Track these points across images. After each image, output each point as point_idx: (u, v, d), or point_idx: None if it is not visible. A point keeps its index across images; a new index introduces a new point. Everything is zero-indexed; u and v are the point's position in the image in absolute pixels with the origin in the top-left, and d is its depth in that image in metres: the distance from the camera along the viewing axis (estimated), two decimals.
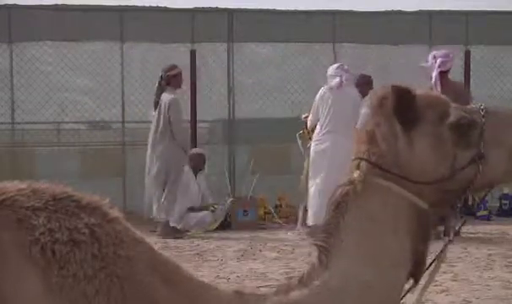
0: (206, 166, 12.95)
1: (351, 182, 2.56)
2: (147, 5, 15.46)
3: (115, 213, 2.41)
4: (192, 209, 12.31)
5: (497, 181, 2.66)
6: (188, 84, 13.48)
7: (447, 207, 2.66)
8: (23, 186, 2.37)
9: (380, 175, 2.54)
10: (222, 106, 14.83)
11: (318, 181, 10.99)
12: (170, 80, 11.63)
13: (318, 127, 11.29)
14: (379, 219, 2.53)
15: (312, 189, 11.15)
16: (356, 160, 2.60)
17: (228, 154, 14.75)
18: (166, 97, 11.57)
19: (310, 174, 11.31)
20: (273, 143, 14.41)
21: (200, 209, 12.42)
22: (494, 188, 2.83)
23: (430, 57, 11.01)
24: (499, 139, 2.58)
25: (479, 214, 13.10)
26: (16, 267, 2.22)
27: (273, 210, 13.37)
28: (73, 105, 14.59)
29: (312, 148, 11.32)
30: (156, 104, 11.67)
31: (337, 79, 11.23)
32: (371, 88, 11.12)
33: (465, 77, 14.05)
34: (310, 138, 11.64)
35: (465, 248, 9.94)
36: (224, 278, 8.31)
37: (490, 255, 9.63)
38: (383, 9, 15.62)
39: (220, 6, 15.06)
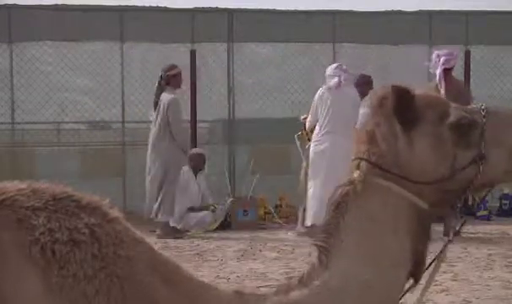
0: (206, 166, 12.94)
1: (351, 182, 2.56)
2: (147, 5, 15.47)
3: (115, 213, 2.41)
4: (192, 209, 12.31)
5: (497, 180, 2.66)
6: (188, 84, 13.48)
7: (447, 207, 2.66)
8: (23, 186, 2.37)
9: (380, 175, 2.54)
10: (222, 106, 14.84)
11: (317, 181, 10.99)
12: (169, 80, 11.62)
13: (317, 127, 11.28)
14: (379, 219, 2.53)
15: (311, 190, 11.15)
16: (355, 160, 2.60)
17: (228, 154, 14.75)
18: (165, 97, 11.57)
19: (309, 174, 11.31)
20: (273, 143, 14.41)
21: (200, 208, 12.43)
22: (494, 188, 2.83)
23: (434, 56, 11.08)
24: (500, 139, 2.58)
25: (479, 214, 13.10)
26: (16, 267, 2.22)
27: (273, 210, 13.37)
28: (73, 105, 14.59)
29: (311, 148, 11.31)
30: (156, 104, 11.67)
31: (336, 79, 11.23)
32: (371, 88, 11.12)
33: (465, 77, 14.04)
34: (309, 139, 11.64)
35: (465, 248, 9.94)
36: (224, 278, 8.31)
37: (490, 255, 9.63)
38: (383, 9, 15.62)
39: (220, 6, 15.06)
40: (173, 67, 11.77)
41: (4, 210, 2.28)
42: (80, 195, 2.40)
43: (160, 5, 15.35)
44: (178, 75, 11.75)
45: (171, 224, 11.72)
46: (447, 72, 10.88)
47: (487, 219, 13.19)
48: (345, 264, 2.51)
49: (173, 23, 14.58)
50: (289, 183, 13.00)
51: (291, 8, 15.52)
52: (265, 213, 13.32)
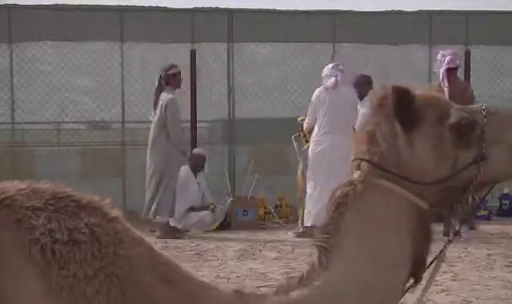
0: (206, 166, 12.95)
1: (352, 183, 2.55)
2: (147, 5, 15.48)
3: (115, 212, 2.41)
4: (192, 209, 12.32)
5: (497, 179, 2.66)
6: (188, 83, 13.48)
7: (447, 207, 2.66)
8: (23, 186, 2.37)
9: (382, 175, 2.53)
10: (222, 106, 14.84)
11: (317, 182, 10.99)
12: (169, 79, 11.61)
13: (315, 128, 11.29)
14: (381, 219, 2.53)
15: (311, 190, 11.15)
16: (356, 160, 2.60)
17: (228, 154, 14.76)
18: (164, 97, 11.56)
19: (309, 175, 11.32)
20: (273, 143, 14.41)
21: (200, 208, 12.43)
22: (494, 188, 2.83)
23: (439, 56, 11.20)
24: (500, 138, 2.58)
25: (479, 213, 13.09)
26: (16, 267, 2.22)
27: (273, 210, 13.37)
28: (73, 105, 14.60)
29: (310, 148, 11.32)
30: (156, 104, 11.66)
31: (332, 79, 11.25)
32: (371, 88, 11.14)
33: (465, 77, 14.03)
34: (306, 141, 11.66)
35: (466, 248, 9.94)
36: (224, 278, 8.30)
37: (490, 255, 9.62)
38: (383, 9, 15.64)
39: (220, 6, 15.07)
40: (173, 66, 11.77)
41: (4, 210, 2.28)
42: (80, 195, 2.40)
43: (160, 5, 15.37)
44: (178, 75, 11.74)
45: (172, 224, 11.72)
46: (451, 71, 10.97)
47: (487, 219, 13.20)
48: (345, 265, 2.51)
49: (173, 23, 14.59)
50: (289, 183, 13.00)
51: (291, 8, 15.55)
52: (265, 213, 13.32)
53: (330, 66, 11.58)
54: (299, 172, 11.93)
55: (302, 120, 11.76)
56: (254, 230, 12.27)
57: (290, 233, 11.74)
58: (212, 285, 2.53)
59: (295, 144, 12.10)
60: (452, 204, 2.66)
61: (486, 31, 15.26)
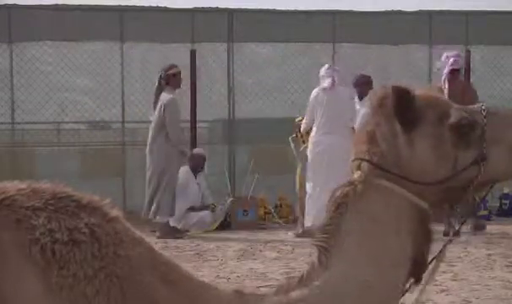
0: (206, 166, 12.95)
1: (352, 183, 2.55)
2: (147, 5, 15.49)
3: (115, 212, 2.41)
4: (192, 209, 12.32)
5: (497, 179, 2.66)
6: (188, 83, 13.48)
7: (447, 207, 2.66)
8: (23, 186, 2.37)
9: (382, 176, 2.53)
10: (222, 106, 14.85)
11: (317, 182, 11.00)
12: (169, 79, 11.61)
13: (314, 128, 11.32)
14: (382, 219, 2.53)
15: (311, 190, 11.16)
16: (356, 160, 2.59)
17: (228, 154, 14.76)
18: (164, 97, 11.56)
19: (308, 175, 11.33)
20: (273, 143, 14.40)
21: (200, 208, 12.43)
22: (494, 188, 2.83)
23: (443, 57, 11.35)
24: (500, 138, 2.58)
25: (479, 213, 13.09)
26: (16, 267, 2.22)
27: (273, 210, 13.37)
28: (73, 105, 14.61)
29: (309, 149, 11.34)
30: (155, 104, 11.66)
31: (329, 80, 11.33)
32: (371, 88, 11.15)
33: (465, 77, 14.02)
34: (304, 142, 11.67)
35: (465, 248, 9.94)
36: (224, 278, 8.31)
37: (490, 255, 9.62)
38: (383, 9, 15.66)
39: (220, 6, 15.08)
40: (173, 66, 11.77)
41: (4, 210, 2.28)
42: (80, 195, 2.40)
43: (160, 5, 15.38)
44: (178, 75, 11.74)
45: (172, 224, 11.72)
46: (454, 72, 11.12)
47: (487, 219, 13.18)
48: (345, 265, 2.51)
49: (173, 23, 14.59)
50: (289, 183, 12.99)
51: (291, 8, 15.58)
52: (265, 213, 13.32)
53: (326, 66, 11.69)
54: (298, 172, 11.93)
55: (300, 121, 11.78)
56: (254, 230, 12.27)
57: (290, 233, 11.74)
58: (212, 285, 2.53)
59: (292, 145, 12.11)
60: (452, 204, 2.66)
61: (486, 31, 15.27)
